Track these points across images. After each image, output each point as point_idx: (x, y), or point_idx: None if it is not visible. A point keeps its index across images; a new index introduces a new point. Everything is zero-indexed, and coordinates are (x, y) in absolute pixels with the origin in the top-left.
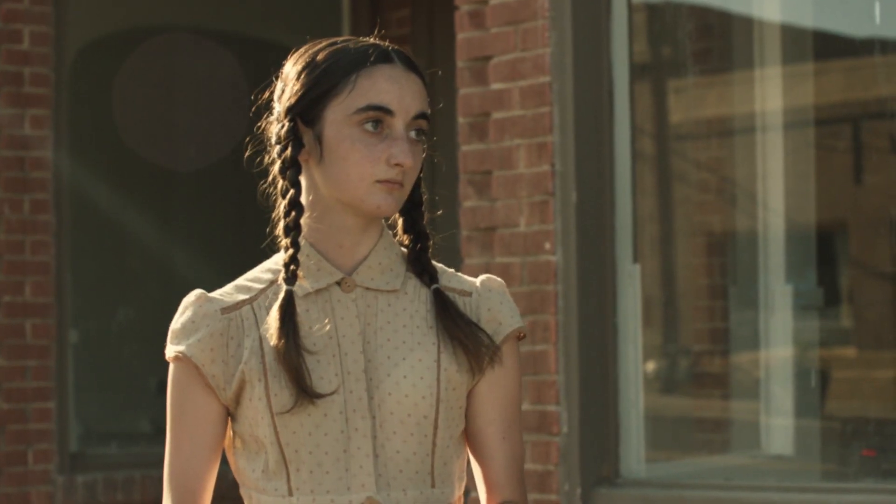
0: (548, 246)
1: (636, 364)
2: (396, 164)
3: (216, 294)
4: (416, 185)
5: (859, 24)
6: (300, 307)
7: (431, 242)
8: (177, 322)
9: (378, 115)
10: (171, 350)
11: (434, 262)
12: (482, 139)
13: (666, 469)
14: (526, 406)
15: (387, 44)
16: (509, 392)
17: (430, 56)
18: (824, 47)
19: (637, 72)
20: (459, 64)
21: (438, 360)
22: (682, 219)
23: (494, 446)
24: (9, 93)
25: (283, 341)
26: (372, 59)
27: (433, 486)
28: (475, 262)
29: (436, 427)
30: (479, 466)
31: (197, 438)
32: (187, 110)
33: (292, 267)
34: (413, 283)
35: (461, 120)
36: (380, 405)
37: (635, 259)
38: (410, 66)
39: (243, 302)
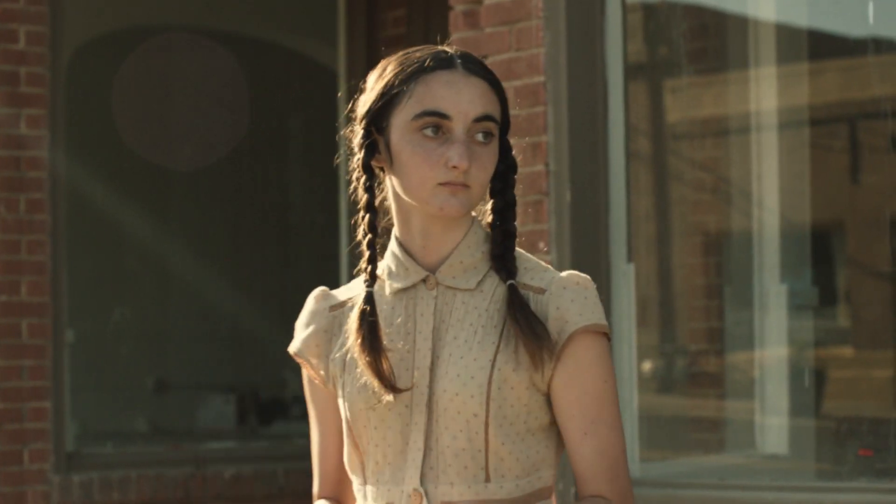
0: (542, 245)
1: (631, 363)
2: (454, 167)
3: (335, 291)
4: (510, 186)
5: (853, 24)
6: (389, 304)
7: (517, 240)
8: (299, 318)
9: (435, 121)
10: (290, 346)
11: (531, 258)
12: None
13: (661, 468)
14: None
15: (453, 49)
16: (588, 389)
17: None
18: (819, 47)
19: (631, 71)
20: None
21: (494, 360)
22: (677, 218)
23: (576, 441)
24: (5, 92)
25: (358, 341)
26: (430, 65)
27: (487, 480)
28: None
29: (486, 425)
30: (569, 460)
31: (324, 427)
32: (184, 110)
33: (369, 268)
34: (491, 282)
35: None
36: (437, 401)
37: (630, 259)
38: (473, 70)
39: (349, 300)
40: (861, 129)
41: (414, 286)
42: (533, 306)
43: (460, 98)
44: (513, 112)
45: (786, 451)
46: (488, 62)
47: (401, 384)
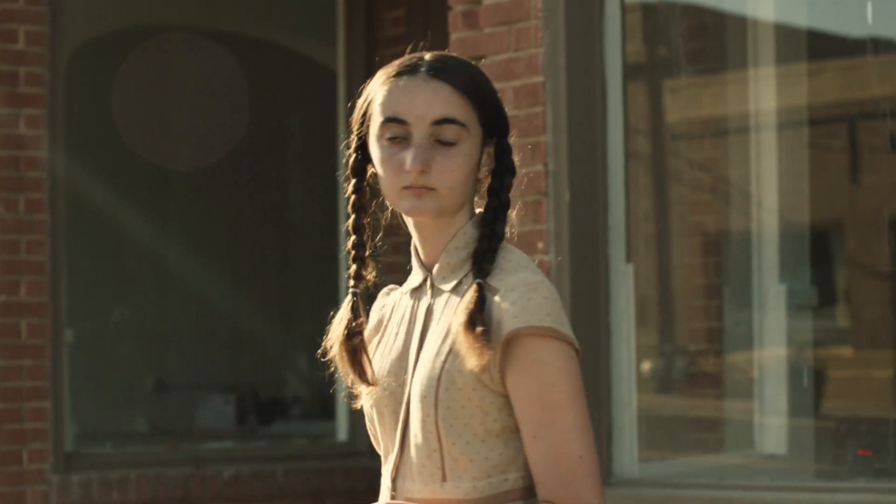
0: (541, 246)
1: (629, 363)
2: (408, 171)
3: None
4: (505, 188)
5: (852, 24)
6: (404, 304)
7: (501, 244)
8: None
9: (395, 127)
10: None
11: (516, 259)
12: None
13: (659, 468)
14: None
15: (425, 54)
16: (531, 392)
17: None
18: (818, 47)
19: (630, 71)
20: None
21: (445, 362)
22: (676, 218)
23: (528, 445)
24: (4, 92)
25: (340, 339)
26: (395, 73)
27: (444, 480)
28: None
29: (437, 426)
30: None
31: None
32: (183, 110)
33: (353, 267)
34: (467, 282)
35: None
36: (410, 401)
37: (628, 259)
38: (437, 73)
39: (392, 297)
40: (860, 129)
41: (420, 286)
42: (487, 307)
43: (417, 103)
44: (512, 112)
45: (785, 451)
46: (487, 62)
47: (394, 383)
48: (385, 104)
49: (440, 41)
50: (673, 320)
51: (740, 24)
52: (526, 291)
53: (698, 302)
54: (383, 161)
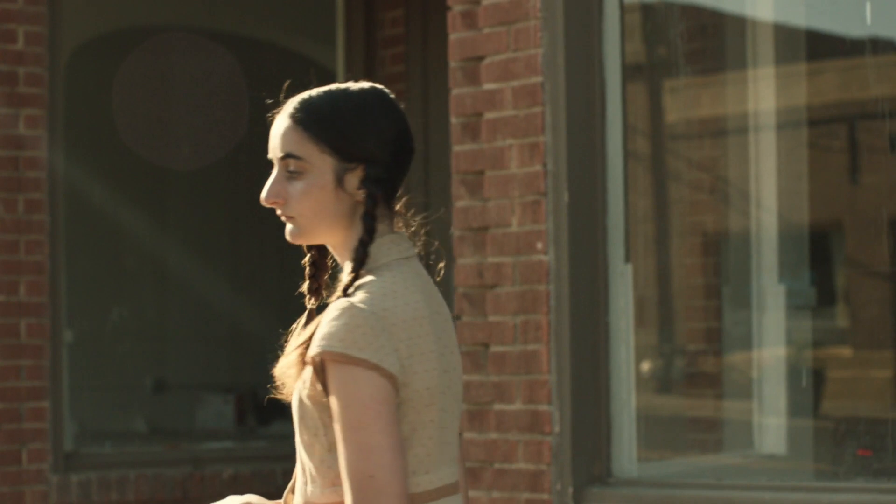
0: (540, 246)
1: (628, 363)
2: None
3: None
4: (367, 215)
5: (851, 24)
6: None
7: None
8: None
9: (272, 163)
10: None
11: (375, 281)
12: (474, 139)
13: (658, 468)
14: (518, 405)
15: (307, 92)
16: (335, 412)
17: (423, 56)
18: (817, 47)
19: (629, 72)
20: (452, 64)
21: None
22: (674, 218)
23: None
24: (3, 93)
25: (292, 352)
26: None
27: (306, 484)
28: (467, 261)
29: (299, 435)
30: None
31: None
32: (182, 110)
33: (307, 284)
34: None
35: (453, 120)
36: None
37: (627, 259)
38: (291, 111)
39: None
40: (859, 130)
41: None
42: None
43: (273, 141)
44: (511, 112)
45: (784, 451)
46: (486, 62)
47: None
48: None
49: (439, 41)
50: (672, 320)
51: (739, 25)
52: (332, 317)
53: (697, 302)
54: None
